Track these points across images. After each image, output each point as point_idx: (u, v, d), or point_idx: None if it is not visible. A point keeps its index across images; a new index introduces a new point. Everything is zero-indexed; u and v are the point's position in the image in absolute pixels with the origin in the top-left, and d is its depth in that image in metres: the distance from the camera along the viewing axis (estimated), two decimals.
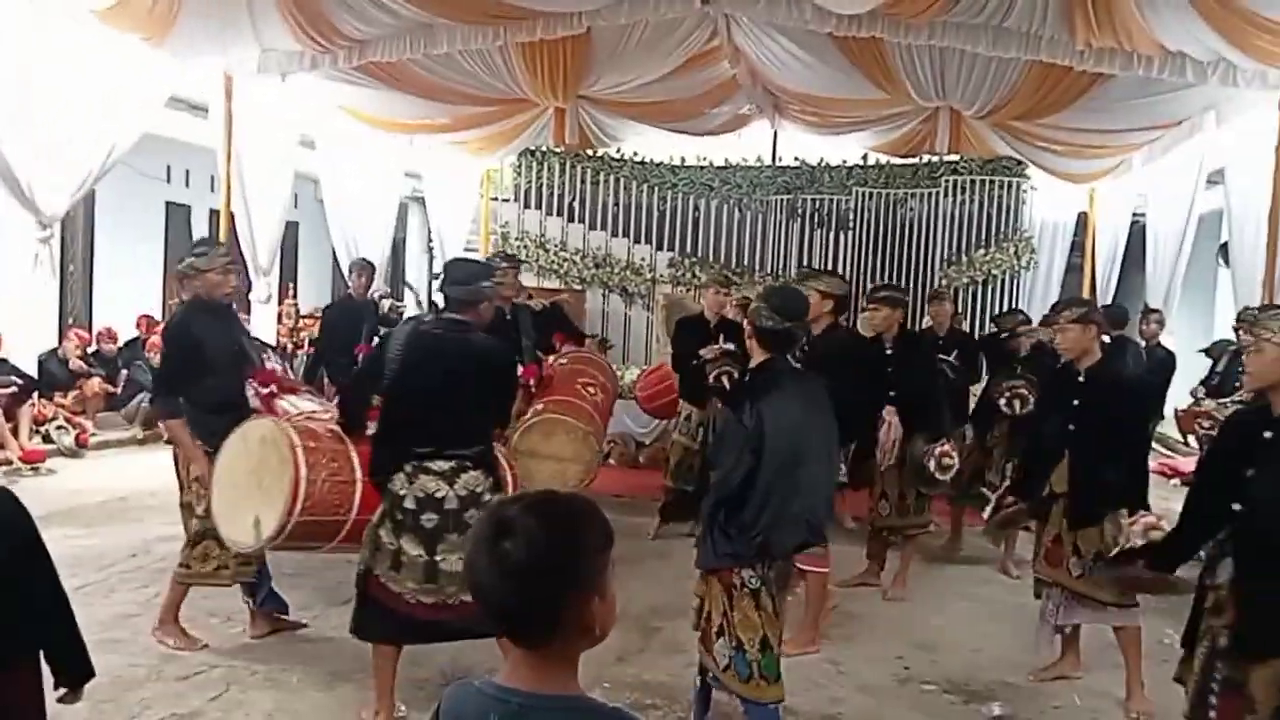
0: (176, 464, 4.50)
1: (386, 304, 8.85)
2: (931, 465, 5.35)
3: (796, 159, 10.39)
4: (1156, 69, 6.93)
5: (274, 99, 8.51)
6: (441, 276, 3.88)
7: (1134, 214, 10.84)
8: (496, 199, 11.87)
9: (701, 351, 6.23)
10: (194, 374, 4.30)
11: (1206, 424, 7.72)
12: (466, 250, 12.53)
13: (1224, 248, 9.36)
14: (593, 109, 10.45)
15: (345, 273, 9.02)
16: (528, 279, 9.39)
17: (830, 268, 9.90)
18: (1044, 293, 10.67)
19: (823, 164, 10.17)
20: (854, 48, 8.42)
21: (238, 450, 3.97)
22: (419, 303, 14.66)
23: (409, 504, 3.62)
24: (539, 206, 10.11)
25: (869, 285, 8.81)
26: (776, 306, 3.36)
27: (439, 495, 3.62)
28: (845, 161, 10.25)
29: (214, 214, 11.14)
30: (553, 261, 9.91)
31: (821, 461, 3.37)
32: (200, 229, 13.24)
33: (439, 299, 3.88)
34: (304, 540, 4.01)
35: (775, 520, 3.22)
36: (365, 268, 8.04)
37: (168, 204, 13.14)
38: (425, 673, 4.24)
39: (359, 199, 10.16)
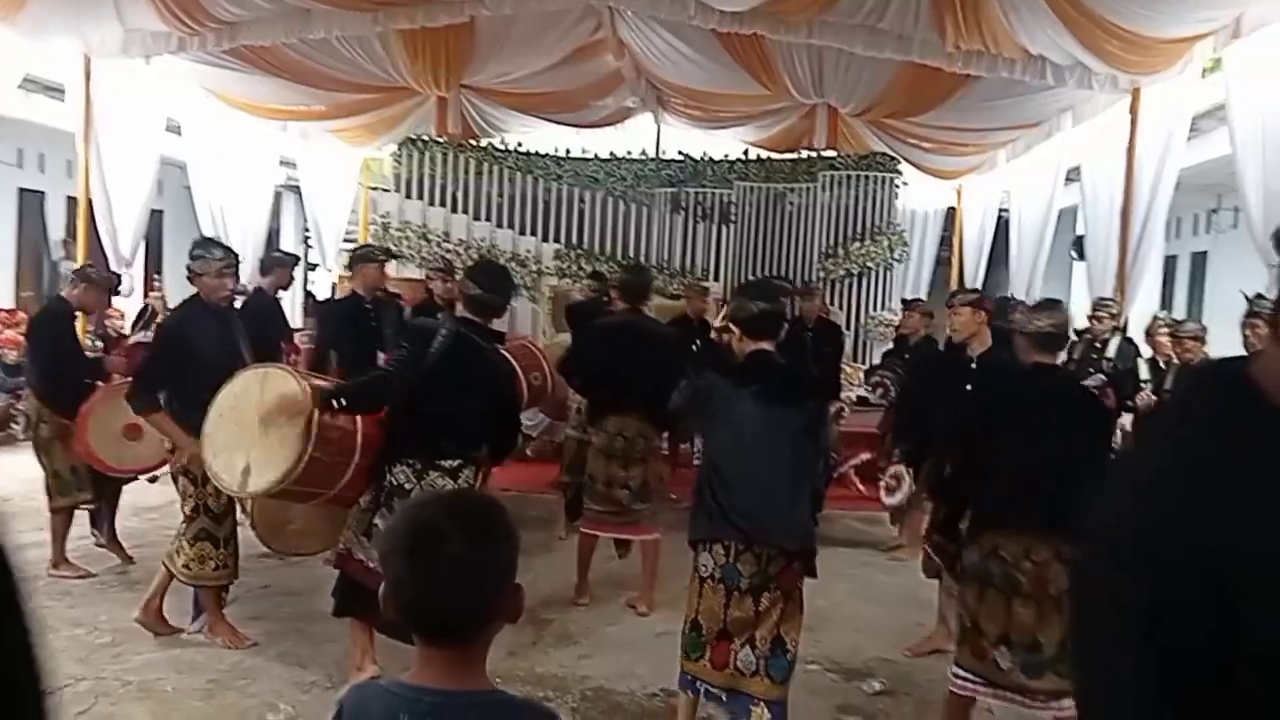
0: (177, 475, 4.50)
1: None
2: None
3: (680, 153, 10.52)
4: (1019, 71, 7.32)
5: (137, 81, 8.09)
6: (476, 278, 4.05)
7: (999, 209, 11.37)
8: (376, 189, 11.60)
9: None
10: (181, 373, 4.36)
11: None
12: (346, 241, 12.19)
13: (1078, 241, 9.91)
14: (476, 98, 10.31)
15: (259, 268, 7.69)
16: (412, 271, 9.22)
17: (714, 260, 10.08)
18: (915, 284, 11.09)
19: (705, 158, 10.33)
20: (736, 44, 8.57)
21: (252, 390, 3.89)
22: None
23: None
24: (420, 197, 9.93)
25: (751, 277, 9.02)
26: (754, 295, 3.57)
27: (443, 488, 3.81)
28: (727, 156, 10.44)
29: (71, 201, 10.52)
30: (436, 253, 9.75)
31: (766, 464, 3.32)
32: (56, 216, 12.54)
33: (468, 300, 4.01)
34: (275, 498, 4.07)
35: (707, 507, 3.38)
36: (287, 262, 7.09)
37: (20, 190, 12.36)
38: (312, 675, 4.16)
39: (230, 186, 9.75)
